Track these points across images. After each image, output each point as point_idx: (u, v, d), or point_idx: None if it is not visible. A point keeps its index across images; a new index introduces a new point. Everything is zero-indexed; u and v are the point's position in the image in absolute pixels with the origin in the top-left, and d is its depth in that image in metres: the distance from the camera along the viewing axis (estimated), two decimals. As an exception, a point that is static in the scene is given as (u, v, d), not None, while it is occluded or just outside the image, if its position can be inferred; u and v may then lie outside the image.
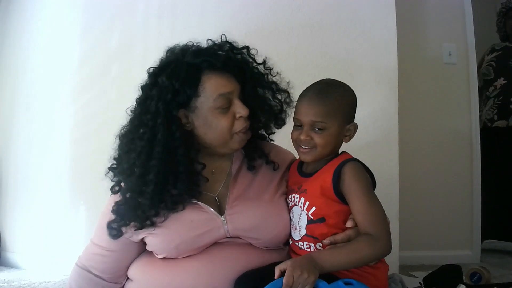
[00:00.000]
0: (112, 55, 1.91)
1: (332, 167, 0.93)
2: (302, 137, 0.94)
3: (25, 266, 2.00)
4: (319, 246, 0.92)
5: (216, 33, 1.08)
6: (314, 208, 0.93)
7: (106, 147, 1.04)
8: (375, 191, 0.95)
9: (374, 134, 1.80)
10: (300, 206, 0.96)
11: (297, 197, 0.97)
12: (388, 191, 1.76)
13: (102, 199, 1.07)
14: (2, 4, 2.27)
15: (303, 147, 0.95)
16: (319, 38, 1.83)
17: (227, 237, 0.98)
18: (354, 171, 0.92)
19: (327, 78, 1.02)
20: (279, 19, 1.84)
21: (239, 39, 1.09)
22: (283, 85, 1.10)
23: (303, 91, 0.99)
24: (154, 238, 0.98)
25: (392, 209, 1.75)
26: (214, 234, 0.96)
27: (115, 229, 0.98)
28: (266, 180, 1.05)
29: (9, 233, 2.12)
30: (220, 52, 1.01)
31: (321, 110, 0.92)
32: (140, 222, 0.95)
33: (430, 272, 1.52)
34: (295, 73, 1.12)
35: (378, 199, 0.93)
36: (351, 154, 1.01)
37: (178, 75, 0.95)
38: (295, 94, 1.06)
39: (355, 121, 1.01)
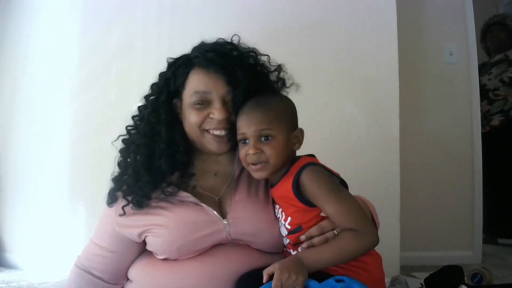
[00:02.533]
0: (112, 55, 1.91)
1: (291, 176, 0.90)
2: (251, 151, 0.89)
3: (24, 266, 2.00)
4: (300, 249, 0.91)
5: (215, 33, 1.07)
6: (290, 219, 0.92)
7: (106, 147, 1.04)
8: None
9: (375, 134, 1.80)
10: (279, 217, 0.95)
11: (276, 208, 0.97)
12: (388, 191, 1.75)
13: (102, 199, 1.06)
14: (2, 4, 2.27)
15: (254, 163, 0.90)
16: (319, 38, 1.83)
17: (228, 240, 0.97)
18: (312, 177, 0.88)
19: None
20: (279, 19, 1.84)
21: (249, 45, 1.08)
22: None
23: (240, 109, 0.95)
24: (156, 238, 0.97)
25: (392, 210, 1.74)
26: (215, 237, 0.96)
27: (110, 198, 1.01)
28: (267, 185, 1.05)
29: (8, 233, 2.12)
30: (217, 49, 1.01)
31: (264, 117, 0.89)
32: (135, 195, 0.97)
33: (431, 273, 1.51)
34: (295, 73, 1.11)
35: (347, 193, 0.90)
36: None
37: (174, 65, 1.03)
38: (297, 95, 1.05)
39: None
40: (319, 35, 1.83)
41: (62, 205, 1.93)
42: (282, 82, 1.08)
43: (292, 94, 1.09)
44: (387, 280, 1.01)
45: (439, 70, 2.22)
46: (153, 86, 1.05)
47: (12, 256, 2.06)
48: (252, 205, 0.99)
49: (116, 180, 1.02)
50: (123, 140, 1.04)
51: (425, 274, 1.56)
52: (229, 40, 1.05)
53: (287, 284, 0.77)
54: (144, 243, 1.02)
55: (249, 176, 1.03)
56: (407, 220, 1.88)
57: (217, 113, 0.97)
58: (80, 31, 1.96)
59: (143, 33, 1.89)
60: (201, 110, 0.98)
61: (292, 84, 1.09)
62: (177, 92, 1.02)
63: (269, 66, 1.08)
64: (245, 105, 0.94)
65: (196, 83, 0.99)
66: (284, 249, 0.99)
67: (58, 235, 1.91)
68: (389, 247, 1.71)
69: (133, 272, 1.03)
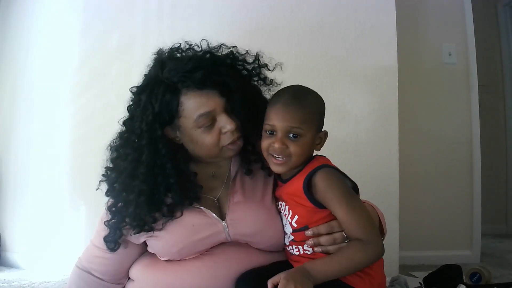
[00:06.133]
0: (112, 55, 1.91)
1: (304, 175, 0.90)
2: (277, 145, 0.87)
3: (25, 266, 2.00)
4: (306, 246, 0.91)
5: (216, 33, 1.07)
6: (296, 217, 0.91)
7: (106, 147, 1.04)
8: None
9: (374, 134, 1.80)
10: (285, 215, 0.95)
11: (283, 205, 0.97)
12: (388, 191, 1.76)
13: (102, 199, 1.06)
14: (2, 4, 2.27)
15: (277, 157, 0.89)
16: (319, 38, 1.83)
17: (228, 241, 0.98)
18: (327, 179, 0.87)
19: (297, 84, 0.97)
20: (279, 19, 1.84)
21: (239, 39, 1.08)
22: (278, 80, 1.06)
23: (274, 97, 0.94)
24: (156, 242, 0.98)
25: (392, 209, 1.75)
26: (215, 238, 0.96)
27: (112, 242, 0.98)
28: (264, 184, 1.05)
29: (9, 233, 2.12)
30: (200, 65, 0.95)
31: (298, 115, 0.88)
32: (137, 228, 0.95)
33: (430, 272, 1.52)
34: (295, 73, 1.12)
35: (359, 200, 0.90)
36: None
37: (156, 96, 0.93)
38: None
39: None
40: (319, 35, 1.84)
41: (63, 204, 1.93)
42: (266, 68, 1.06)
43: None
44: (387, 280, 1.02)
45: (438, 71, 2.23)
46: (138, 123, 0.94)
47: (13, 255, 2.06)
48: (250, 206, 0.99)
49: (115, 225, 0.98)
50: (112, 183, 0.98)
51: (424, 274, 1.56)
52: (200, 49, 1.01)
53: None
54: (144, 244, 1.02)
55: (245, 176, 1.04)
56: (406, 219, 1.89)
57: (228, 126, 0.95)
58: (80, 31, 1.96)
59: (143, 33, 1.90)
60: (211, 128, 0.95)
61: (276, 65, 1.07)
62: (169, 121, 0.96)
63: (245, 57, 1.04)
64: (281, 96, 0.92)
65: (196, 106, 0.93)
66: (285, 247, 0.98)
67: (59, 234, 1.91)
68: (388, 246, 1.69)
69: (134, 272, 1.03)
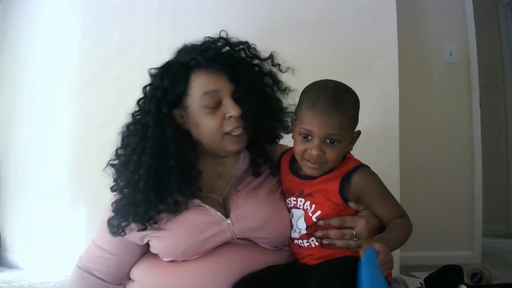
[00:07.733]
0: (112, 55, 1.91)
1: (340, 175, 0.91)
2: (315, 152, 0.86)
3: (25, 266, 2.00)
4: (313, 238, 0.93)
5: (215, 32, 1.07)
6: (319, 212, 0.92)
7: (106, 147, 1.03)
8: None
9: (374, 134, 1.80)
10: (306, 209, 0.94)
11: (301, 200, 0.95)
12: (388, 191, 1.76)
13: (103, 199, 1.06)
14: (2, 4, 2.27)
15: (312, 162, 0.88)
16: (319, 38, 1.83)
17: (233, 239, 0.97)
18: (369, 179, 0.92)
19: (329, 79, 0.94)
20: (279, 19, 1.84)
21: (239, 39, 1.08)
22: (290, 84, 1.08)
23: (309, 97, 0.89)
24: (159, 242, 0.97)
25: (392, 209, 1.74)
26: (220, 237, 0.95)
27: (115, 227, 0.96)
28: (268, 183, 1.04)
29: (9, 233, 2.12)
30: (212, 49, 0.98)
31: (338, 122, 0.86)
32: (142, 221, 0.94)
33: (431, 272, 1.52)
34: (295, 73, 1.12)
35: (387, 189, 0.96)
36: (352, 153, 0.99)
37: (168, 74, 0.97)
38: (295, 95, 1.05)
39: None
40: (319, 34, 1.83)
41: (63, 204, 1.93)
42: (278, 68, 1.07)
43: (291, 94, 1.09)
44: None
45: (439, 71, 2.23)
46: (147, 101, 0.97)
47: (14, 256, 2.06)
48: (254, 202, 0.99)
49: (124, 206, 0.95)
50: (123, 164, 0.97)
51: (425, 274, 1.56)
52: (217, 36, 1.02)
53: (389, 261, 0.78)
54: (146, 244, 1.01)
55: (251, 175, 1.04)
56: (406, 219, 1.89)
57: (233, 111, 0.94)
58: (80, 31, 1.96)
59: (143, 33, 1.90)
60: (215, 112, 0.95)
61: (287, 68, 1.08)
62: (177, 102, 0.98)
63: (261, 55, 1.06)
64: (319, 99, 0.87)
65: (203, 84, 0.95)
66: (292, 241, 0.98)
67: (59, 235, 1.91)
68: (389, 246, 1.71)
69: (135, 272, 1.02)
